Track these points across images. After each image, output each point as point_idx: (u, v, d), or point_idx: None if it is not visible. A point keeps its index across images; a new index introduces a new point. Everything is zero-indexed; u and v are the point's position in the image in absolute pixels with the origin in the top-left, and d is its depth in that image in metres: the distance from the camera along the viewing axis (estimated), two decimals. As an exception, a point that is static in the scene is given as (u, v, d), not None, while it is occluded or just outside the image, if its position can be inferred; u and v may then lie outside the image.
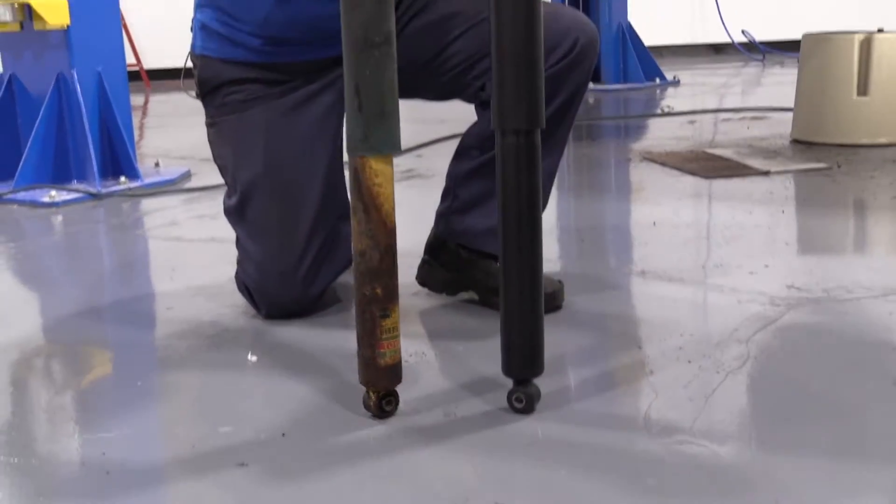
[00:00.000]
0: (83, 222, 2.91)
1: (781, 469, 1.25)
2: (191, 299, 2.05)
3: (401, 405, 1.44)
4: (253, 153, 1.84)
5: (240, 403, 1.53)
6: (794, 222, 2.61)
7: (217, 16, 1.87)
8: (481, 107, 1.87)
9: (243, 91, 1.86)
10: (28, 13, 3.18)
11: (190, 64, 1.97)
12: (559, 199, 2.95)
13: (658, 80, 6.35)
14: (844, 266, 2.18)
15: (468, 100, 1.90)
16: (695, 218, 2.76)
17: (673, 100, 5.51)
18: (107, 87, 3.33)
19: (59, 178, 3.30)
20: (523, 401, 1.42)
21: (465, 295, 1.95)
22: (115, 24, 3.45)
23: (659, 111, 4.96)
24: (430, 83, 1.89)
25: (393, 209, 1.38)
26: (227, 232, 1.97)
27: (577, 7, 6.30)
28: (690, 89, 6.13)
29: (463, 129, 1.94)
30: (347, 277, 2.06)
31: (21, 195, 3.18)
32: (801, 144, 3.69)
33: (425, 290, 2.00)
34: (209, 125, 1.92)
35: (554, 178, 1.91)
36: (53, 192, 3.14)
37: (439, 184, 1.97)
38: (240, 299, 1.95)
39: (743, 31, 8.30)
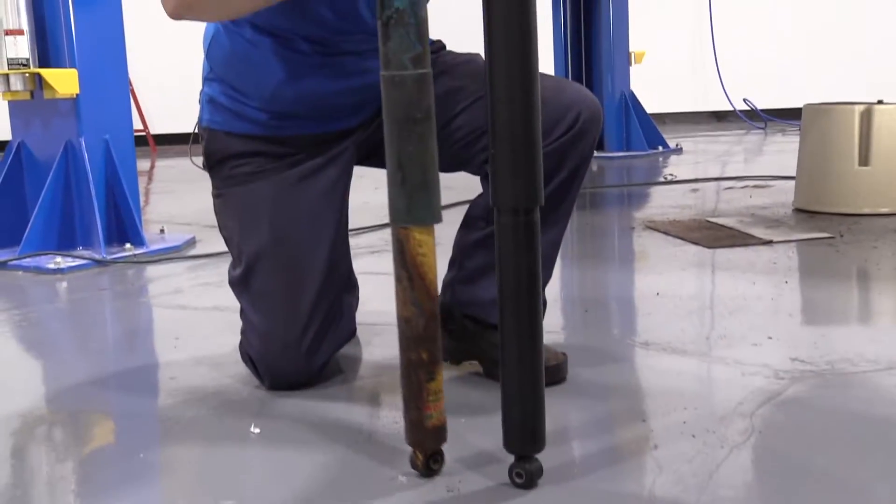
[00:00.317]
0: (88, 289, 2.92)
1: (787, 548, 1.24)
2: (194, 369, 2.05)
3: (402, 480, 1.43)
4: (259, 225, 1.85)
5: (242, 476, 1.52)
6: (798, 293, 2.61)
7: (224, 90, 1.90)
8: (486, 179, 1.88)
9: (250, 164, 1.88)
10: (38, 82, 3.23)
11: (197, 132, 1.99)
12: (562, 269, 2.95)
13: (661, 148, 6.38)
14: (848, 338, 2.18)
15: (473, 172, 1.91)
16: (698, 288, 2.76)
17: (675, 167, 5.55)
18: (114, 155, 3.36)
19: (65, 244, 3.33)
20: (524, 476, 1.41)
21: (468, 365, 1.95)
22: (124, 93, 3.50)
23: (662, 179, 4.99)
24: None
25: (436, 278, 1.40)
26: (231, 300, 1.98)
27: (580, 77, 6.38)
28: (693, 157, 6.17)
29: (470, 195, 1.95)
30: (349, 349, 2.07)
31: (26, 261, 3.20)
32: (804, 213, 3.71)
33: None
34: (215, 196, 1.94)
35: (558, 248, 1.91)
36: (59, 259, 3.16)
37: (446, 251, 1.98)
38: (243, 369, 1.95)
39: (745, 100, 8.38)
